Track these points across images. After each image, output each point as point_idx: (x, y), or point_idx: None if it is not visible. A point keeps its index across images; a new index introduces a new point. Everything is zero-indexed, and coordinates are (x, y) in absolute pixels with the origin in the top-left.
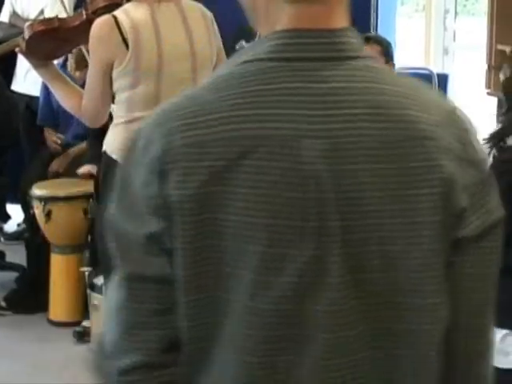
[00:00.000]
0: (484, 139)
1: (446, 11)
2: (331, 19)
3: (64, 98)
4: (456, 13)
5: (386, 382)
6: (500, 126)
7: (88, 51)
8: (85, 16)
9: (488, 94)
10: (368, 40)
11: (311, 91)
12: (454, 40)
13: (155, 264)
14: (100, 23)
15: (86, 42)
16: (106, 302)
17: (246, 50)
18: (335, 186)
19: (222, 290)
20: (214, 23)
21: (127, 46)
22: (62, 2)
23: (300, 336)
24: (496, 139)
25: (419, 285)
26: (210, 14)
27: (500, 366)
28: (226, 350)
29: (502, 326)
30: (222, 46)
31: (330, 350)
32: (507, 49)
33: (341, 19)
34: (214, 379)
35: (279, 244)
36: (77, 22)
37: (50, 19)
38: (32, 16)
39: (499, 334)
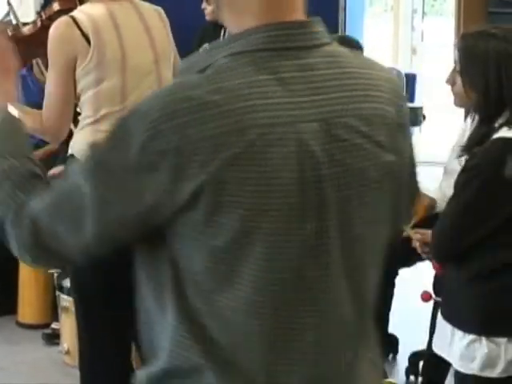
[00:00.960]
0: (459, 152)
1: (414, 11)
2: (299, 11)
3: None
4: (424, 13)
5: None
6: (471, 136)
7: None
8: (40, 23)
9: None
10: (342, 41)
11: (303, 80)
12: (422, 40)
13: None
14: (58, 24)
15: (44, 52)
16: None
17: (223, 44)
18: (330, 163)
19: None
20: (167, 22)
21: (88, 41)
22: (13, 12)
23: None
24: (468, 148)
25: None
26: (162, 12)
27: (466, 371)
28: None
29: (468, 331)
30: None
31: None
32: None
33: (302, 10)
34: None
35: (286, 219)
36: (32, 31)
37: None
38: None
39: (466, 339)
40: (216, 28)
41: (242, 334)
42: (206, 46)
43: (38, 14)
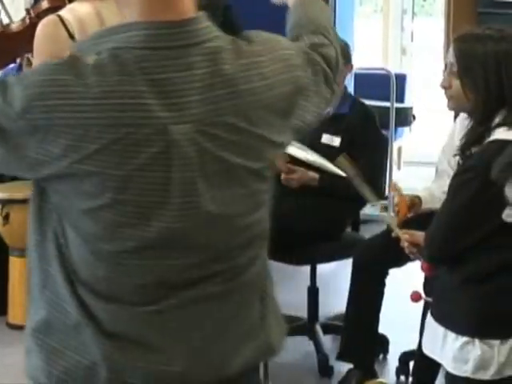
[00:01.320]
0: (455, 152)
1: (404, 12)
2: (183, 11)
3: None
4: (414, 13)
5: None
6: (465, 138)
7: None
8: (28, 20)
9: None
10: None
11: (179, 80)
12: (412, 40)
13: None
14: (44, 22)
15: (32, 49)
16: None
17: (108, 34)
18: (204, 163)
19: None
20: None
21: (74, 41)
22: (6, 10)
23: None
24: (464, 148)
25: None
26: None
27: (459, 373)
28: None
29: (462, 333)
30: None
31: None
32: None
33: (188, 8)
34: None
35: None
36: (21, 28)
37: None
38: None
39: (459, 341)
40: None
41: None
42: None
43: (27, 11)
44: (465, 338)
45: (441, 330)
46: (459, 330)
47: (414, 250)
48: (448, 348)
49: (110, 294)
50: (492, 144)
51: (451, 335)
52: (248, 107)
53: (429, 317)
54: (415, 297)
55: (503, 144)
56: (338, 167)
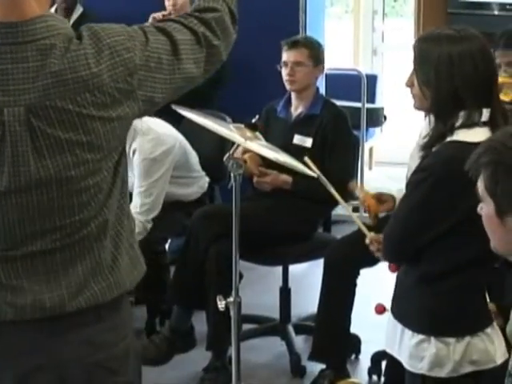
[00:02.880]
0: (419, 154)
1: (375, 12)
2: (23, 12)
3: None
4: (384, 14)
5: None
6: (428, 136)
7: None
8: None
9: None
10: (296, 44)
11: (15, 71)
12: (383, 41)
13: None
14: None
15: None
16: None
17: None
18: (32, 140)
19: None
20: None
21: None
22: None
23: None
24: (426, 148)
25: None
26: None
27: (415, 370)
28: None
29: (417, 331)
30: None
31: None
32: None
33: (31, 10)
34: None
35: None
36: None
37: None
38: None
39: (415, 339)
40: None
41: None
42: None
43: None
44: (421, 336)
45: (399, 327)
46: (415, 328)
47: (376, 248)
48: (405, 345)
49: None
50: (450, 144)
51: (408, 333)
52: (74, 92)
53: (389, 314)
54: (379, 309)
55: (461, 145)
56: (306, 167)
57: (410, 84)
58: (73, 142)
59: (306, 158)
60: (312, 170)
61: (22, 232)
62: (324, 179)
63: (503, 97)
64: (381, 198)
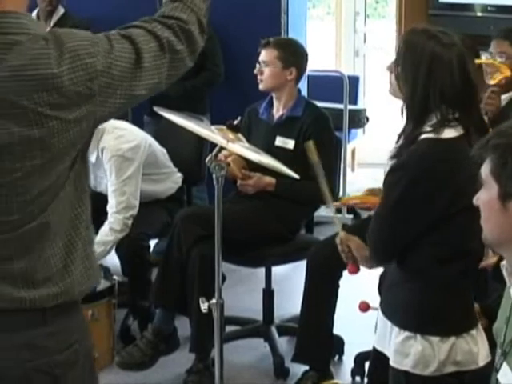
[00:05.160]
0: (391, 156)
1: (357, 14)
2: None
3: None
4: (366, 15)
5: None
6: (401, 135)
7: None
8: None
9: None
10: (267, 44)
11: None
12: (365, 42)
13: None
14: None
15: None
16: None
17: None
18: None
19: None
20: None
21: None
22: None
23: None
24: (400, 148)
25: None
26: None
27: (399, 367)
28: None
29: (403, 328)
30: None
31: None
32: None
33: (5, 4)
34: None
35: None
36: None
37: None
38: None
39: (401, 335)
40: None
41: None
42: None
43: None
44: (407, 333)
45: (388, 324)
46: (401, 325)
47: (346, 250)
48: (392, 342)
49: None
50: (422, 141)
51: (395, 329)
52: (31, 90)
53: (380, 312)
54: (363, 307)
55: (434, 142)
56: (306, 150)
57: (390, 70)
58: (24, 137)
59: (310, 143)
60: (312, 155)
61: None
62: (320, 169)
63: (491, 80)
64: (373, 192)
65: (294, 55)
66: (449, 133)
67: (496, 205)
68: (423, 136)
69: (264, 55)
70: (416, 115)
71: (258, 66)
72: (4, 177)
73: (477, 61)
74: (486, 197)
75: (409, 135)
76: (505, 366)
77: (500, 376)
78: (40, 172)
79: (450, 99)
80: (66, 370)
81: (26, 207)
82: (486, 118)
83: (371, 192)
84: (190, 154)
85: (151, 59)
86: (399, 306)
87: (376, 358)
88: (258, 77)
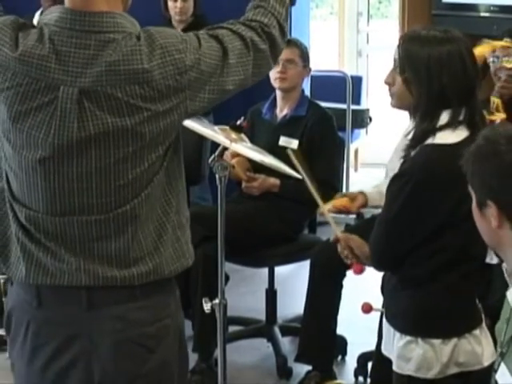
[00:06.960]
0: (401, 157)
1: (360, 14)
2: (92, 5)
3: None
4: (369, 15)
5: None
6: (413, 135)
7: None
8: None
9: None
10: (289, 42)
11: (76, 55)
12: (368, 42)
13: None
14: None
15: None
16: None
17: (47, 12)
18: (80, 118)
19: None
20: None
21: None
22: None
23: None
24: (410, 147)
25: None
26: None
27: (402, 371)
28: None
29: (404, 332)
30: None
31: None
32: None
33: (101, 5)
34: None
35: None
36: None
37: None
38: None
39: (402, 340)
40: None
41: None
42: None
43: None
44: (408, 337)
45: (391, 329)
46: (402, 329)
47: (346, 252)
48: (395, 347)
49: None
50: (426, 148)
51: (397, 334)
52: (124, 82)
53: (384, 317)
54: (366, 308)
55: (438, 148)
56: (290, 159)
57: (390, 82)
58: (118, 126)
59: (289, 150)
60: (294, 164)
61: (76, 200)
62: (303, 174)
63: (506, 64)
64: (351, 196)
65: (307, 54)
66: (453, 137)
67: (477, 213)
68: (426, 142)
69: (287, 53)
70: (431, 115)
71: (279, 64)
72: (100, 162)
73: (494, 43)
74: (473, 205)
75: (419, 135)
76: (502, 366)
77: (498, 377)
78: (132, 159)
79: (461, 90)
80: (158, 343)
81: (121, 191)
82: (500, 102)
83: (349, 196)
84: (190, 154)
85: (236, 56)
86: (399, 311)
87: (378, 359)
88: (280, 75)
